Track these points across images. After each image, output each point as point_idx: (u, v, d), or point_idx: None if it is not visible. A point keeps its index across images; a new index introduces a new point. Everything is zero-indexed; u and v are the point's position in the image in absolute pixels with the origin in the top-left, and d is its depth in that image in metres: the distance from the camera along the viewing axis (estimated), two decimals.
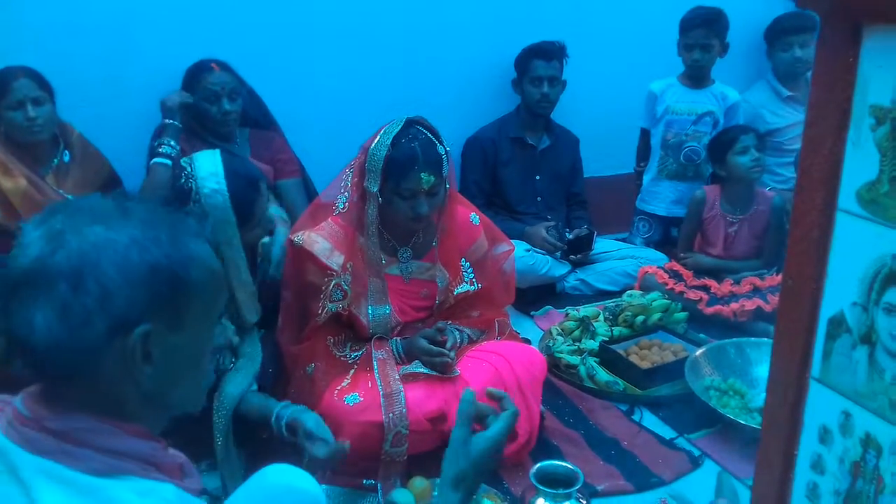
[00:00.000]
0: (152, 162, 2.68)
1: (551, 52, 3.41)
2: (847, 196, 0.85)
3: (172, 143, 2.70)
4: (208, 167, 1.90)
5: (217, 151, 1.93)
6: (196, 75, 2.84)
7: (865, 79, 0.82)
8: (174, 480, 0.91)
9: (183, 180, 1.91)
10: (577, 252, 3.35)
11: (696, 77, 3.55)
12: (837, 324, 0.87)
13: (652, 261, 3.36)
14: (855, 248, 0.84)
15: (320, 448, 1.85)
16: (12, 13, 2.79)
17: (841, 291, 0.86)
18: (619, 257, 3.43)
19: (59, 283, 0.85)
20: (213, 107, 2.82)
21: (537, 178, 3.53)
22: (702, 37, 3.43)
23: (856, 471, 0.88)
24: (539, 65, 3.39)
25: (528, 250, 3.22)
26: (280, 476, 1.23)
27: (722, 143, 3.21)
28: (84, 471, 0.85)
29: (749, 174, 3.17)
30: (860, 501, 0.88)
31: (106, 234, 0.87)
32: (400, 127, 2.10)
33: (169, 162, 2.66)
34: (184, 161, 1.92)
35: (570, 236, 3.36)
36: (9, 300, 0.87)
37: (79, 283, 0.85)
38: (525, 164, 3.51)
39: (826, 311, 0.88)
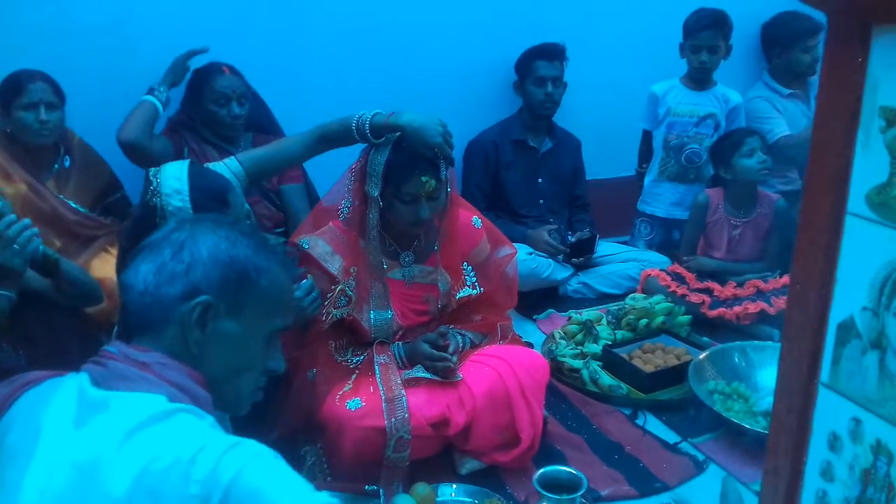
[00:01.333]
0: (142, 98, 2.80)
1: (553, 53, 3.40)
2: (856, 199, 0.83)
3: (163, 88, 2.86)
4: (173, 184, 1.80)
5: (185, 164, 1.85)
6: (205, 77, 2.84)
7: (875, 80, 0.81)
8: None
9: (149, 196, 1.84)
10: (580, 255, 3.34)
11: (700, 79, 3.54)
12: (847, 329, 0.86)
13: (654, 264, 3.34)
14: (865, 251, 0.83)
15: None
16: (12, 15, 2.78)
17: (850, 296, 0.85)
18: (622, 260, 3.42)
19: (165, 249, 1.09)
20: (223, 110, 2.82)
21: (539, 180, 3.51)
22: (709, 38, 3.42)
23: (866, 478, 0.86)
24: (542, 65, 3.38)
25: (531, 254, 3.21)
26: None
27: (727, 146, 3.20)
28: (130, 390, 1.00)
29: (757, 176, 3.16)
30: None
31: (213, 231, 1.11)
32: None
33: (157, 103, 2.81)
34: (151, 173, 1.85)
35: (573, 239, 3.34)
36: (134, 256, 1.11)
37: (179, 252, 1.08)
38: (527, 167, 3.49)
39: (835, 316, 0.87)
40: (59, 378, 1.08)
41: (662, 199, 3.67)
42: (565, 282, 3.36)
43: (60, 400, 1.02)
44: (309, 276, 2.04)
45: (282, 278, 1.16)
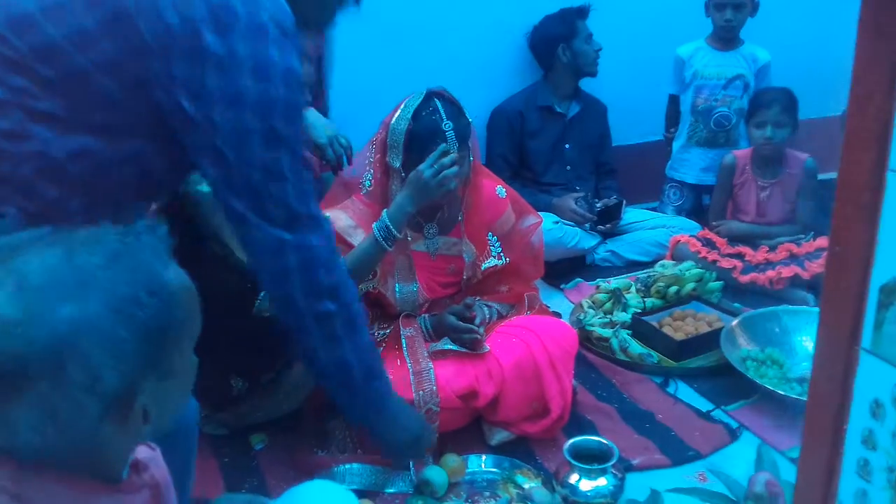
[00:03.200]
0: None
1: (587, 11, 3.37)
2: None
3: None
4: None
5: None
6: None
7: None
8: None
9: None
10: (607, 222, 3.29)
11: (726, 38, 3.44)
12: (890, 291, 0.81)
13: (684, 230, 3.29)
14: None
15: None
16: None
17: (893, 257, 0.81)
18: (650, 227, 3.36)
19: (39, 382, 0.75)
20: None
21: (567, 146, 3.46)
22: None
23: None
24: (585, 25, 3.35)
25: (557, 222, 3.17)
26: (313, 498, 1.16)
27: (751, 108, 3.13)
28: None
29: (759, 149, 3.08)
30: None
31: (78, 314, 0.76)
32: (421, 99, 2.05)
33: None
34: None
35: (600, 206, 3.30)
36: None
37: (61, 376, 0.75)
38: (554, 133, 3.44)
39: (877, 279, 0.83)
40: None
41: (692, 165, 3.60)
42: (592, 250, 3.32)
43: None
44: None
45: (178, 275, 0.89)
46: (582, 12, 3.36)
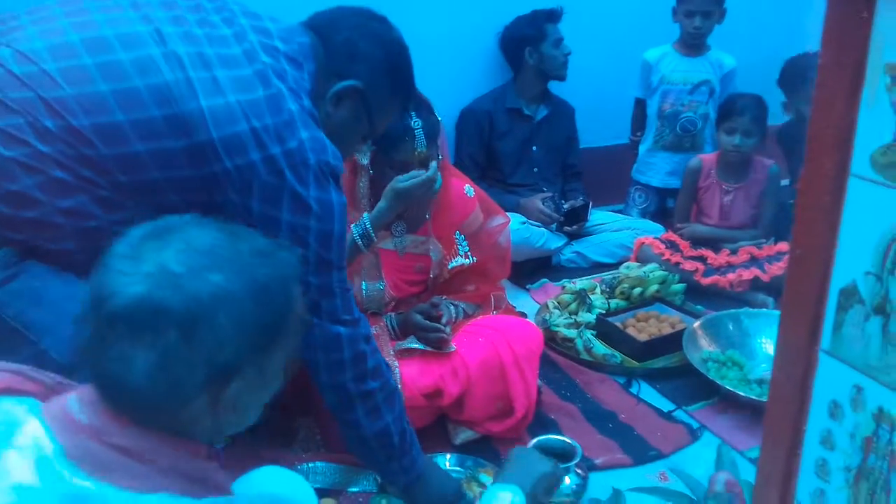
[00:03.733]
0: None
1: (559, 16, 3.37)
2: (860, 160, 0.81)
3: None
4: None
5: None
6: None
7: (881, 36, 0.78)
8: (212, 494, 0.89)
9: None
10: (573, 223, 3.31)
11: (694, 45, 3.48)
12: (849, 294, 0.83)
13: (648, 232, 3.32)
14: (869, 214, 0.80)
15: None
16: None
17: (853, 260, 0.83)
18: (616, 229, 3.39)
19: (169, 330, 0.83)
20: None
21: (534, 149, 3.47)
22: (704, 3, 3.36)
23: (867, 446, 0.85)
24: (554, 28, 3.35)
25: (524, 223, 3.18)
26: (269, 483, 1.14)
27: (721, 112, 3.17)
28: (134, 489, 0.83)
29: (726, 155, 3.13)
30: (872, 477, 0.85)
31: (225, 284, 0.86)
32: None
33: None
34: None
35: (566, 207, 3.32)
36: (105, 333, 0.85)
37: (192, 332, 0.84)
38: (521, 135, 3.45)
39: (837, 282, 0.85)
40: None
41: (658, 169, 3.64)
42: (559, 251, 3.34)
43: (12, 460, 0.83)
44: None
45: (300, 299, 0.98)
46: (552, 16, 3.36)
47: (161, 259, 0.85)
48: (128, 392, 0.85)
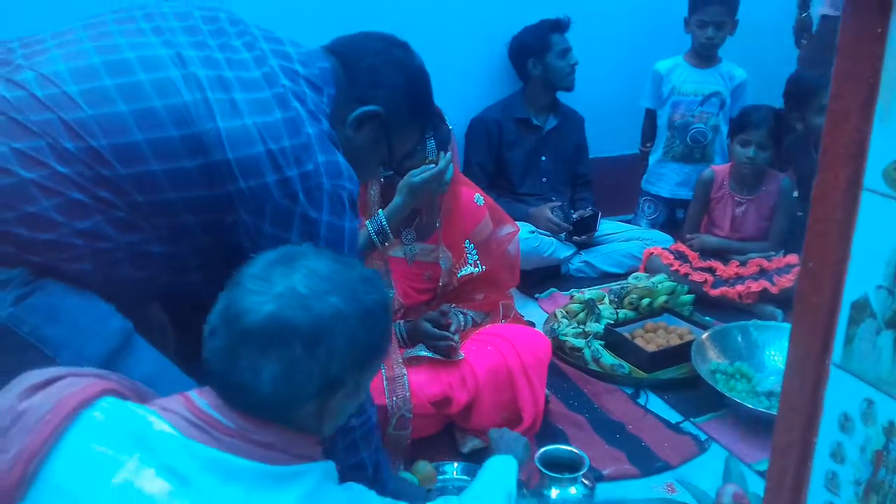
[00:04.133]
0: None
1: (566, 26, 3.37)
2: (873, 174, 0.80)
3: None
4: None
5: None
6: None
7: (895, 50, 0.78)
8: None
9: None
10: (582, 233, 3.31)
11: (706, 56, 3.49)
12: (861, 308, 0.83)
13: (657, 242, 3.32)
14: (881, 228, 0.80)
15: None
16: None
17: (865, 274, 0.82)
18: (624, 239, 3.39)
19: (295, 344, 0.97)
20: None
21: (543, 158, 3.48)
22: (716, 14, 3.36)
23: (878, 460, 0.84)
24: (560, 38, 3.35)
25: (533, 232, 3.18)
26: None
27: (735, 124, 3.17)
28: (281, 464, 0.99)
29: (740, 168, 3.13)
30: (882, 492, 0.84)
31: (342, 306, 1.00)
32: None
33: None
34: None
35: (575, 216, 3.32)
36: (238, 346, 0.97)
37: (314, 347, 0.97)
38: (531, 145, 3.45)
39: (849, 295, 0.84)
40: (122, 410, 0.98)
41: (667, 180, 3.64)
42: (567, 261, 3.34)
43: (150, 463, 0.93)
44: None
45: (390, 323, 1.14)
46: (557, 26, 3.36)
47: (290, 282, 0.99)
48: (254, 397, 0.97)
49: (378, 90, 1.49)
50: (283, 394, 0.98)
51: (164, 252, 1.35)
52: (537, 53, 3.35)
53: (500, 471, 1.47)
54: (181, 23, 1.38)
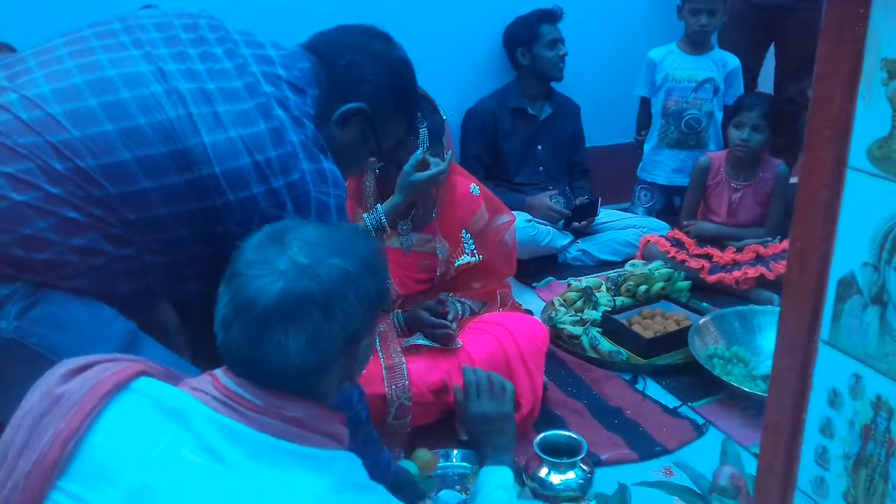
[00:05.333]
0: None
1: (557, 16, 3.38)
2: (858, 153, 0.82)
3: None
4: None
5: None
6: None
7: (877, 31, 0.79)
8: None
9: None
10: (582, 219, 3.32)
11: (699, 42, 3.50)
12: (847, 285, 0.85)
13: (654, 230, 3.33)
14: (866, 206, 0.82)
15: None
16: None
17: (851, 252, 0.84)
18: (621, 227, 3.41)
19: (313, 312, 0.99)
20: None
21: (539, 147, 3.48)
22: (710, 1, 3.37)
23: (866, 434, 0.86)
24: (551, 29, 3.35)
25: (530, 221, 3.19)
26: None
27: (732, 109, 3.18)
28: (314, 446, 1.01)
29: (734, 151, 3.14)
30: (870, 465, 0.86)
31: (344, 265, 1.02)
32: None
33: None
34: None
35: (577, 202, 3.33)
36: (259, 330, 0.99)
37: (330, 310, 1.00)
38: (526, 135, 3.46)
39: (836, 273, 0.86)
40: (158, 390, 1.01)
41: (663, 167, 3.64)
42: (564, 249, 3.35)
43: (182, 443, 0.95)
44: None
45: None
46: (548, 16, 3.36)
47: (289, 257, 1.00)
48: (286, 371, 0.99)
49: (361, 86, 1.49)
50: (311, 362, 1.00)
51: (160, 263, 1.36)
52: (526, 43, 3.36)
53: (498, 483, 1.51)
54: (161, 34, 1.38)
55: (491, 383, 1.68)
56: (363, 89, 1.49)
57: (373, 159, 1.63)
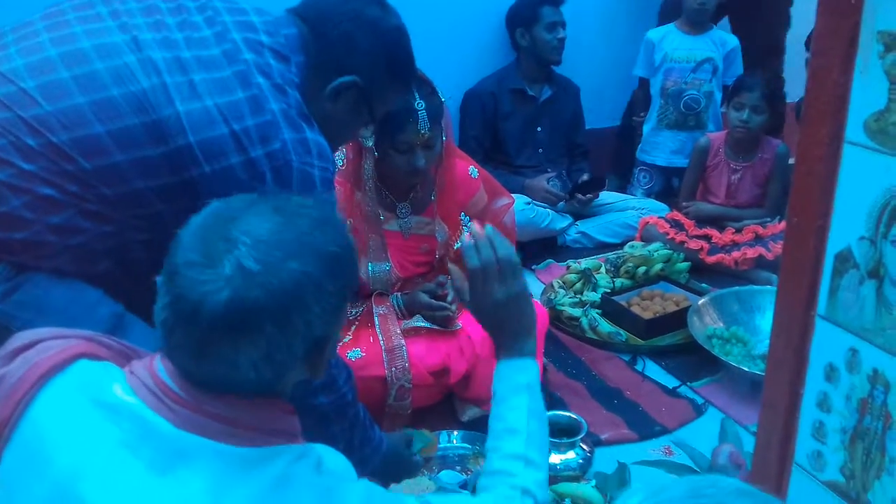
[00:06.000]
0: None
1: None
2: (854, 127, 0.82)
3: None
4: None
5: None
6: None
7: (873, 4, 0.79)
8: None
9: None
10: (587, 192, 3.30)
11: (697, 22, 3.48)
12: (844, 259, 0.85)
13: (653, 211, 3.33)
14: (862, 180, 0.82)
15: None
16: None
17: (848, 226, 0.84)
18: (620, 209, 3.40)
19: (265, 325, 0.86)
20: None
21: (538, 129, 3.47)
22: None
23: (863, 408, 0.87)
24: (550, 11, 3.33)
25: (529, 203, 3.19)
26: None
27: (733, 88, 3.17)
28: (246, 446, 0.89)
29: (733, 132, 3.13)
30: (867, 438, 0.87)
31: (303, 268, 0.88)
32: None
33: None
34: None
35: (585, 177, 3.32)
36: (203, 342, 0.86)
37: (286, 323, 0.87)
38: (526, 116, 3.45)
39: (833, 247, 0.86)
40: (88, 372, 0.94)
41: (663, 148, 3.63)
42: (563, 231, 3.35)
43: (113, 419, 0.89)
44: None
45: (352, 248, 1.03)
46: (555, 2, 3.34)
47: (235, 260, 0.86)
48: (235, 383, 0.89)
49: (354, 58, 1.43)
50: (267, 374, 0.89)
51: (143, 241, 1.32)
52: (526, 24, 3.34)
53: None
54: (139, 3, 1.35)
55: (499, 265, 1.30)
56: (357, 61, 1.43)
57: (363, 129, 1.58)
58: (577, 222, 3.38)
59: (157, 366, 0.92)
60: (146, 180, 1.27)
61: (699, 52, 3.50)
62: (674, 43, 3.52)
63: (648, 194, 3.64)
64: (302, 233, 0.90)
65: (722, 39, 3.53)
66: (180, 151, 1.26)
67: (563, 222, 3.33)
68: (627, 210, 3.39)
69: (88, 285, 1.32)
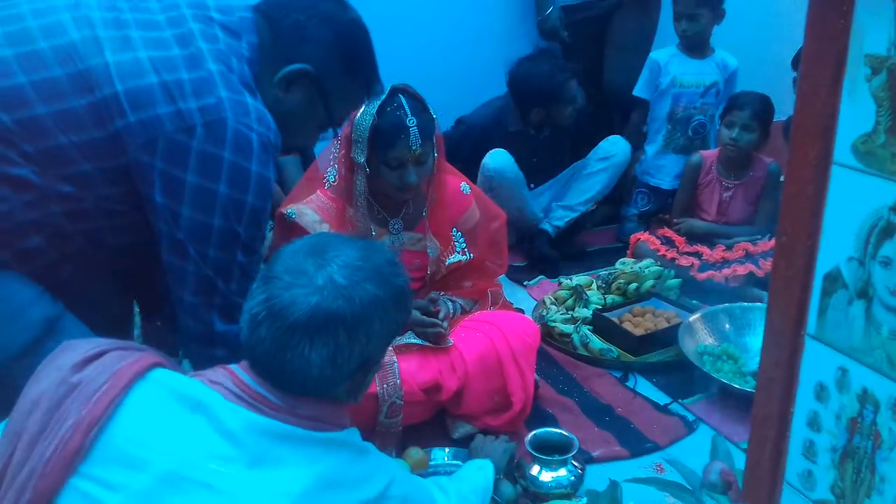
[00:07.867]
0: None
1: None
2: (842, 149, 0.83)
3: None
4: None
5: None
6: None
7: (860, 27, 0.80)
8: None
9: None
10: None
11: (688, 46, 3.47)
12: (833, 279, 0.86)
13: (614, 165, 3.36)
14: (851, 201, 0.83)
15: None
16: None
17: (836, 246, 0.85)
18: (587, 172, 3.38)
19: (339, 331, 1.04)
20: None
21: (534, 160, 3.35)
22: (688, 6, 3.35)
23: (853, 427, 0.87)
24: (574, 83, 3.23)
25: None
26: None
27: (725, 106, 3.18)
28: (327, 431, 1.08)
29: (725, 149, 3.15)
30: (857, 457, 0.87)
31: (377, 292, 1.08)
32: (385, 96, 2.07)
33: None
34: None
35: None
36: (286, 336, 1.03)
37: (355, 332, 1.05)
38: (522, 149, 3.29)
39: (822, 267, 0.87)
40: (175, 382, 1.05)
41: (667, 171, 3.57)
42: (544, 219, 3.34)
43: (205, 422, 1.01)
44: None
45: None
46: (573, 72, 3.21)
47: (328, 273, 1.06)
48: (302, 378, 1.05)
49: (304, 46, 1.42)
50: (327, 375, 1.05)
51: (65, 212, 1.29)
52: (546, 104, 3.20)
53: (478, 469, 1.61)
54: None
55: None
56: (307, 49, 1.42)
57: (320, 131, 1.56)
58: (552, 203, 3.39)
59: (241, 374, 1.07)
60: (69, 134, 1.24)
61: (707, 77, 3.45)
62: (681, 67, 3.46)
63: (642, 216, 3.64)
64: (379, 264, 1.10)
65: (724, 62, 3.50)
66: (106, 101, 1.23)
67: (536, 207, 3.33)
68: (595, 173, 3.37)
69: (27, 282, 1.28)
